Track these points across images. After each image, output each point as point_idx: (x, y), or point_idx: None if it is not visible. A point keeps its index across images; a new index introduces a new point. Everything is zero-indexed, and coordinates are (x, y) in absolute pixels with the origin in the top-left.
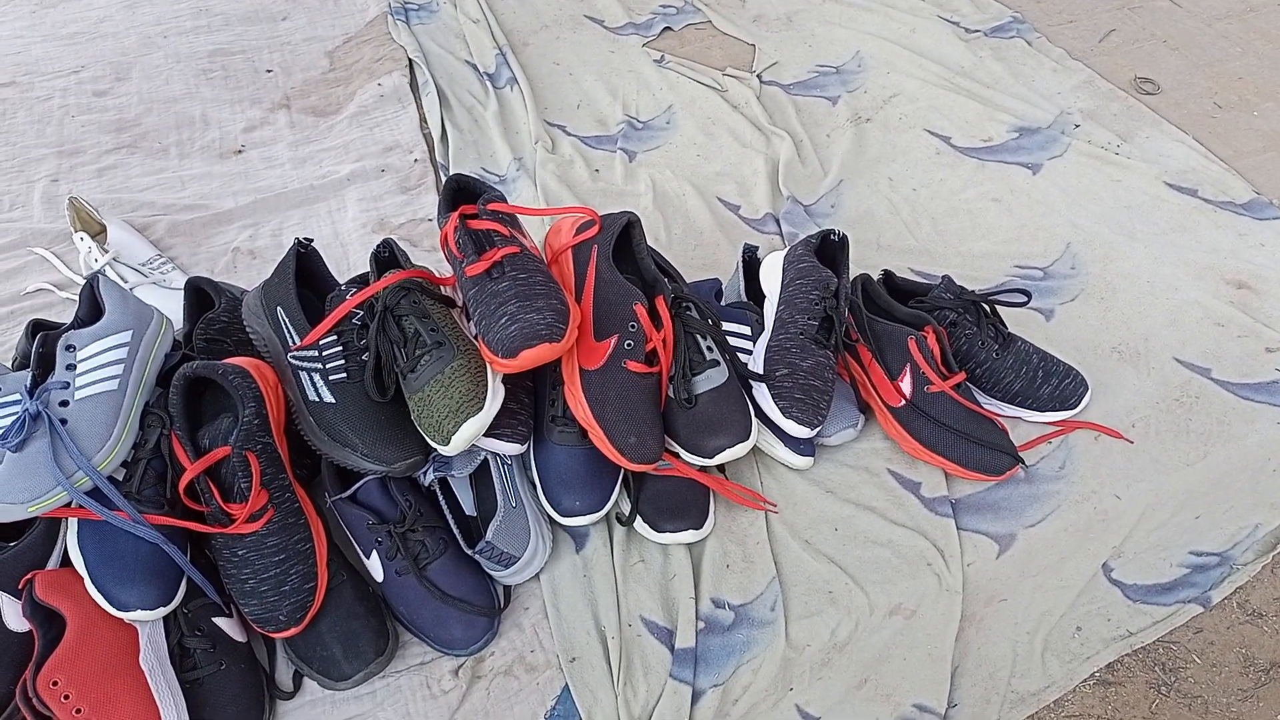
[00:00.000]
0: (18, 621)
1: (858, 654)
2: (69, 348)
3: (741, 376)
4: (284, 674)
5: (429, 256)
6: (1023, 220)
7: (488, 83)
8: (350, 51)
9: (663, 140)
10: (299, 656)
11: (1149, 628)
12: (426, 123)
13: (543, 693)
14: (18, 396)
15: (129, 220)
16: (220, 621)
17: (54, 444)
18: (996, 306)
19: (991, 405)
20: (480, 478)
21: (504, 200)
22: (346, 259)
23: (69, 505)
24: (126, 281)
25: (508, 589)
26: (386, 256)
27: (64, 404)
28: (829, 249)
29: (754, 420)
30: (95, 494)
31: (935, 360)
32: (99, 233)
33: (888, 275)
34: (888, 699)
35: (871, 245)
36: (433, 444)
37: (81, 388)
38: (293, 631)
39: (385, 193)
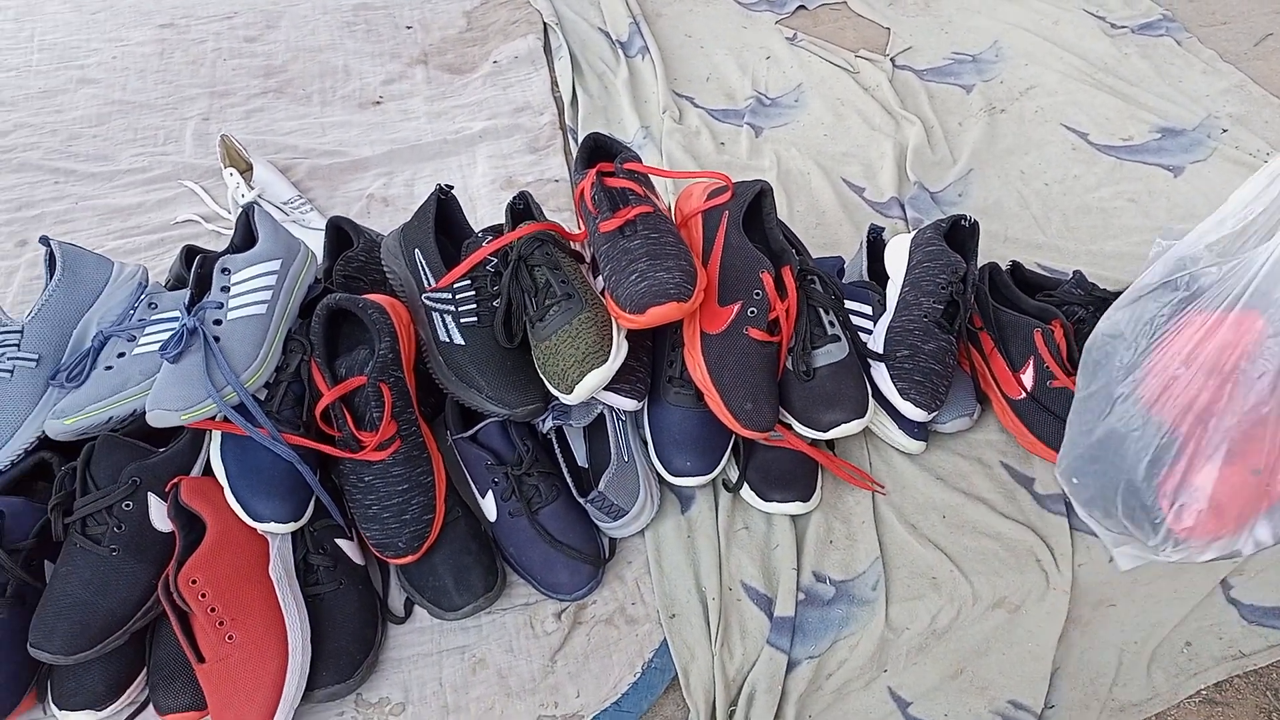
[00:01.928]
0: (162, 521)
1: (956, 643)
2: (224, 270)
3: (860, 354)
4: (396, 600)
5: (553, 216)
6: (1159, 223)
7: (619, 50)
8: (487, 13)
9: (790, 118)
10: (412, 584)
11: (1263, 650)
12: (558, 86)
13: (641, 644)
14: (176, 314)
15: (272, 161)
16: (342, 543)
17: (207, 359)
18: None
19: None
20: (594, 431)
21: (640, 161)
22: (474, 213)
23: (215, 418)
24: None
25: (613, 541)
26: (522, 208)
27: (217, 323)
28: (959, 235)
29: (870, 399)
30: (240, 410)
31: (1061, 355)
32: (246, 170)
33: (1016, 266)
34: (982, 692)
35: (998, 237)
36: (555, 392)
37: (234, 309)
38: (409, 559)
39: (514, 151)
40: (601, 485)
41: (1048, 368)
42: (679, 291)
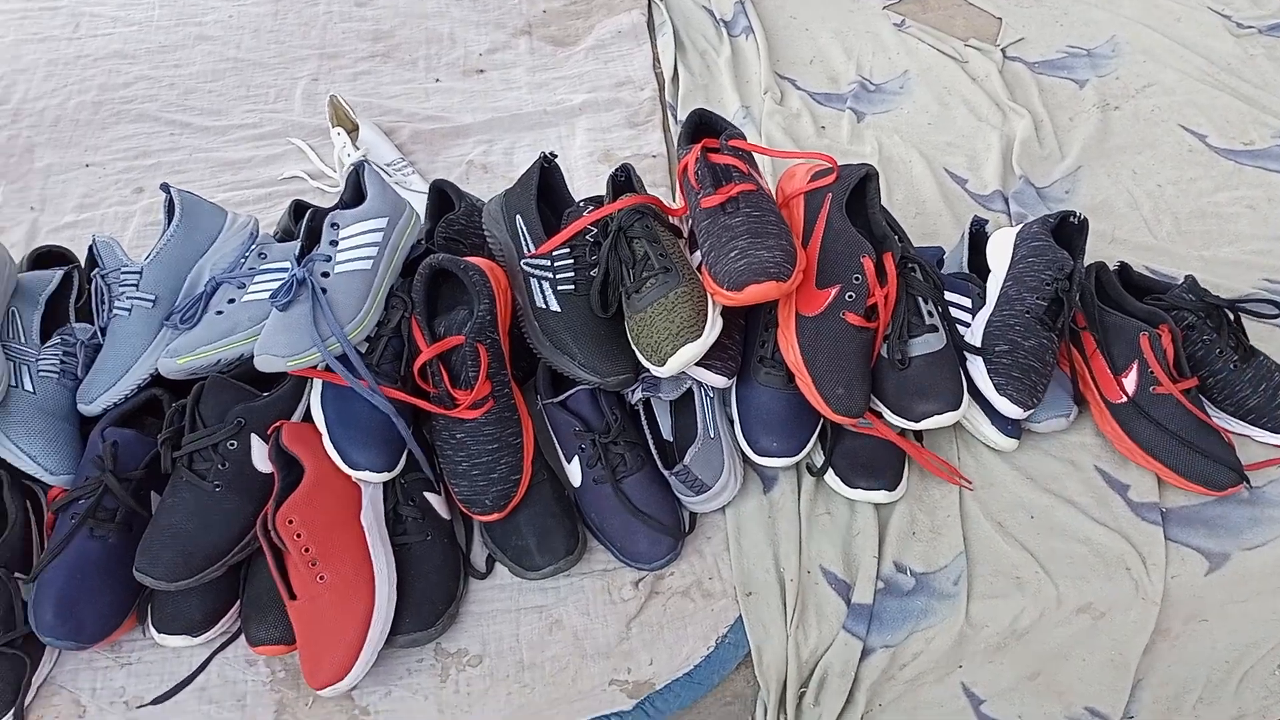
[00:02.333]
0: (263, 462)
1: (1037, 645)
2: (334, 225)
3: (957, 347)
4: (478, 556)
5: (650, 192)
6: (1279, 232)
7: (723, 29)
8: None
9: (894, 105)
10: (494, 542)
11: None
12: (659, 62)
13: (716, 619)
14: (286, 265)
15: (377, 124)
16: (430, 497)
17: (314, 309)
18: (1241, 316)
19: (1220, 419)
20: (681, 406)
21: (744, 139)
22: (571, 185)
23: (318, 367)
24: None
25: (693, 516)
26: (623, 180)
27: (325, 275)
28: (1066, 231)
29: (965, 392)
30: (343, 360)
31: (1167, 361)
32: (352, 130)
33: (1124, 268)
34: (1059, 696)
35: (1105, 237)
36: (646, 364)
37: (341, 262)
38: (495, 516)
39: (613, 125)
40: (687, 459)
41: (1152, 373)
42: (778, 270)
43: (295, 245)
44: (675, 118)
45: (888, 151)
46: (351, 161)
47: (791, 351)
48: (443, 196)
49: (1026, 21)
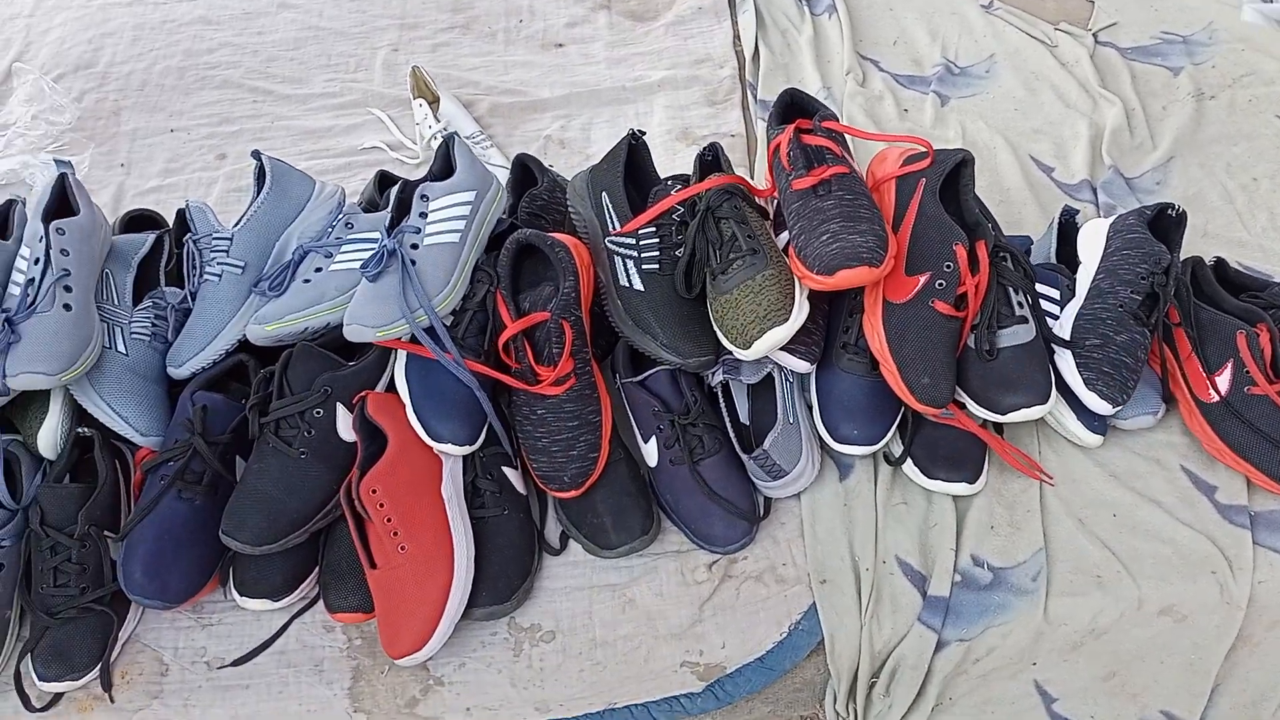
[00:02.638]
0: (347, 431)
1: (1114, 645)
2: (424, 197)
3: (1045, 339)
4: (552, 532)
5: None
6: None
7: (805, 7)
8: None
9: (980, 89)
10: (570, 519)
11: None
12: (740, 40)
13: (789, 605)
14: (373, 235)
15: (456, 95)
16: (508, 471)
17: (403, 281)
18: None
19: None
20: (759, 390)
21: (838, 120)
22: None
23: (405, 338)
24: None
25: (768, 500)
26: (710, 160)
27: (414, 247)
28: (1162, 224)
29: (1054, 385)
30: (430, 333)
31: (1264, 361)
32: (434, 102)
33: (1220, 263)
34: (1134, 698)
35: (1197, 231)
36: (730, 346)
37: (430, 235)
38: (572, 494)
39: (692, 103)
40: (766, 444)
41: (1248, 372)
42: (871, 256)
43: (382, 216)
44: (755, 97)
45: (972, 137)
46: (433, 133)
47: (877, 338)
48: (525, 171)
49: (1120, 6)
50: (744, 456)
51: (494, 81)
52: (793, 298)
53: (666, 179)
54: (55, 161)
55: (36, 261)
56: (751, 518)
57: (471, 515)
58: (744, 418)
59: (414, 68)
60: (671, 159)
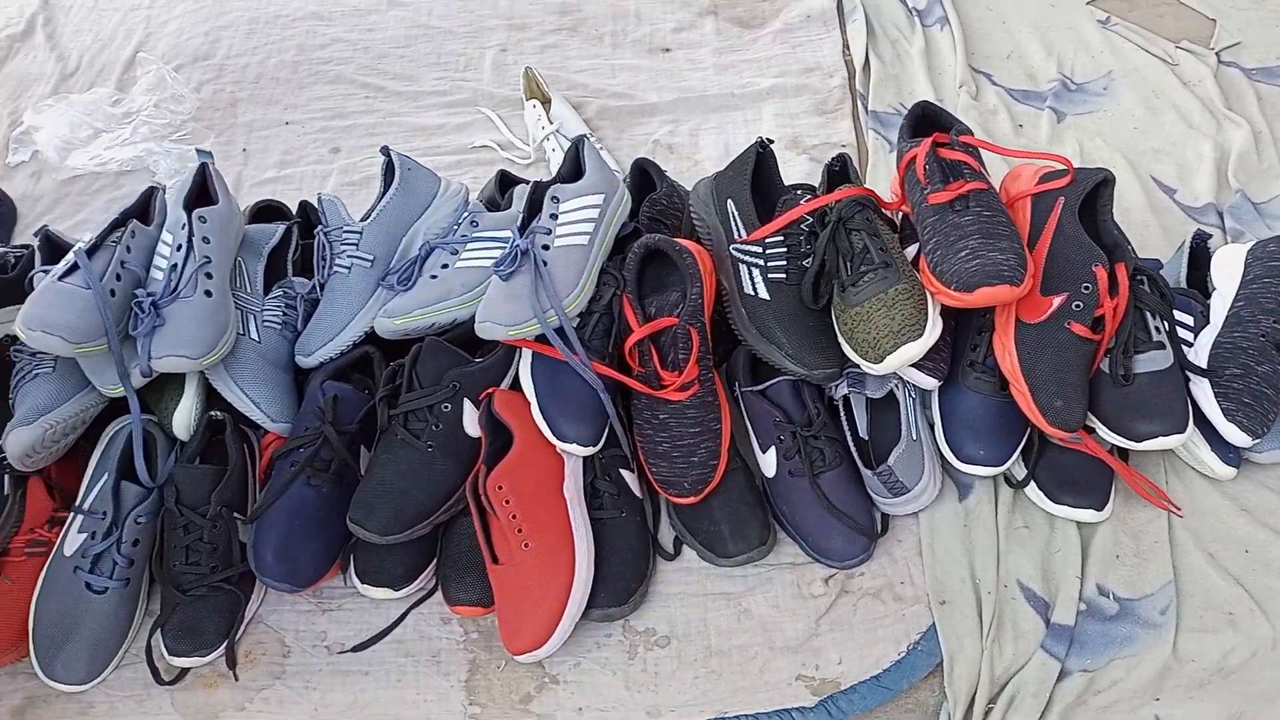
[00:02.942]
0: (473, 426)
1: (1243, 685)
2: (555, 199)
3: (1181, 366)
4: (665, 537)
5: None
6: None
7: (915, 18)
8: None
9: (1097, 106)
10: (685, 525)
11: None
12: (849, 49)
13: (908, 625)
14: (498, 234)
15: (565, 97)
16: (625, 474)
17: (535, 281)
18: None
19: None
20: (878, 404)
21: (972, 134)
22: None
23: (535, 338)
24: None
25: (885, 517)
26: (839, 170)
27: (545, 247)
28: None
29: (1190, 414)
30: (559, 333)
31: None
32: (546, 103)
33: None
34: None
35: None
36: (859, 360)
37: (560, 236)
38: (691, 500)
39: (802, 112)
40: (890, 460)
41: None
42: (1013, 274)
43: (507, 215)
44: (865, 107)
45: (1090, 155)
46: (545, 135)
47: (1008, 358)
48: (644, 175)
49: (1244, 24)
50: (865, 472)
51: (601, 84)
52: (926, 313)
53: (793, 188)
54: (196, 151)
55: (179, 248)
56: (871, 534)
57: (590, 516)
58: (863, 432)
59: (527, 69)
60: (781, 167)
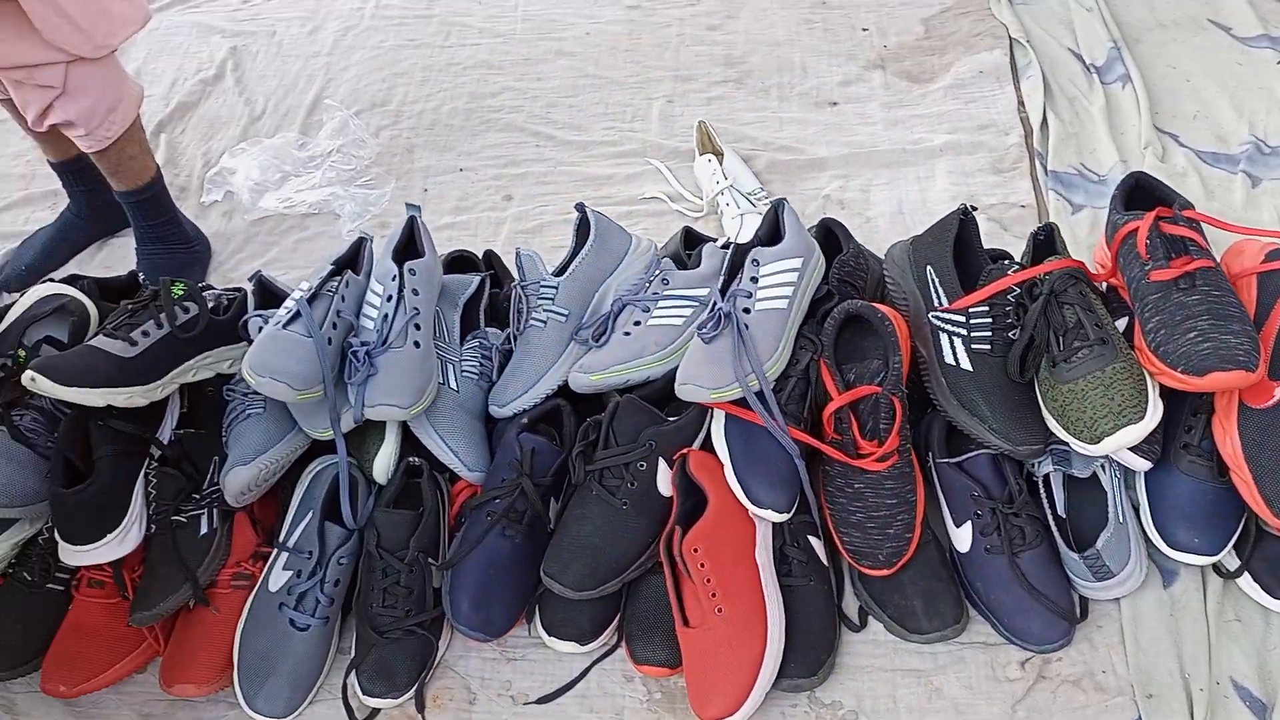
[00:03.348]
0: (666, 486)
1: None
2: (755, 261)
3: None
4: (849, 607)
5: (1017, 244)
6: None
7: (1094, 75)
8: (947, 22)
9: None
10: (873, 597)
11: None
12: (1024, 106)
13: (1111, 717)
14: (693, 292)
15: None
16: (813, 540)
17: (736, 345)
18: None
19: None
20: (1079, 482)
21: (1194, 208)
22: None
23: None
24: (739, 207)
25: (1084, 600)
26: (1044, 240)
27: (746, 311)
28: None
29: None
30: (759, 397)
31: None
32: (718, 156)
33: None
34: None
35: None
36: (1069, 439)
37: (761, 300)
38: (884, 572)
39: (977, 170)
40: (1099, 544)
41: None
42: (1247, 359)
43: (696, 274)
44: (1045, 167)
45: None
46: (719, 189)
47: (1230, 444)
48: (829, 236)
49: None
50: (1067, 553)
51: (769, 137)
52: (1146, 394)
53: (996, 255)
54: (406, 205)
55: (389, 299)
56: (1071, 617)
57: (780, 583)
58: (1061, 510)
59: (700, 123)
60: None
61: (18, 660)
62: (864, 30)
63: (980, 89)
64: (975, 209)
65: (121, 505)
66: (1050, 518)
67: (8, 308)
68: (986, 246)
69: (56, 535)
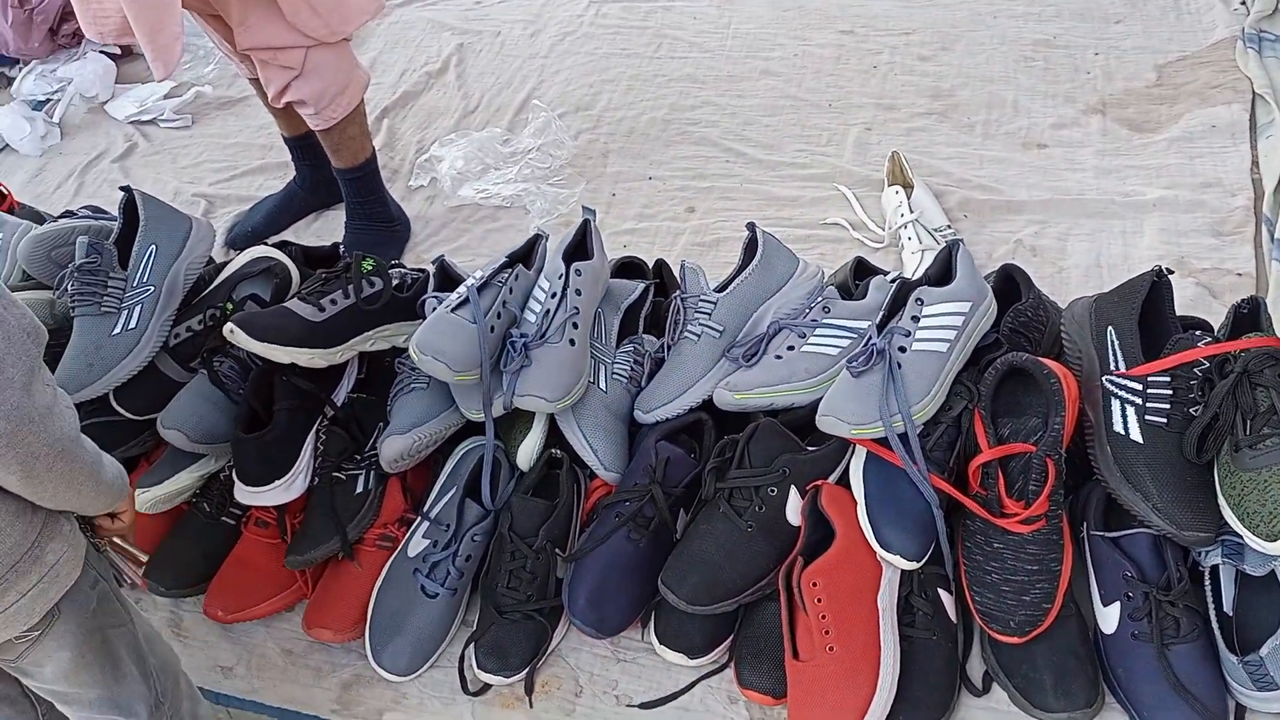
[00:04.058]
0: (795, 515)
1: None
2: (919, 300)
3: None
4: (974, 669)
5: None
6: None
7: None
8: (1184, 70)
9: None
10: (1000, 664)
11: None
12: (1258, 167)
13: None
14: (852, 324)
15: (927, 183)
16: (943, 594)
17: (886, 383)
18: None
19: None
20: (1251, 579)
21: None
22: None
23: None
24: (921, 242)
25: (1240, 708)
26: (1247, 314)
27: (902, 349)
28: None
29: None
30: (902, 439)
31: None
32: (908, 189)
33: None
34: None
35: None
36: (1243, 531)
37: (919, 340)
38: (1015, 640)
39: (1192, 230)
40: (1264, 651)
41: None
42: None
43: (859, 305)
44: (1272, 235)
45: None
46: (903, 222)
47: None
48: (1009, 282)
49: None
50: (1226, 655)
51: (967, 175)
52: None
53: (1190, 324)
54: (583, 208)
55: (554, 295)
56: None
57: (900, 632)
58: (1228, 607)
59: (894, 153)
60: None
61: (189, 581)
62: (1088, 74)
63: (1210, 144)
64: (1172, 272)
65: (291, 455)
66: (1213, 613)
67: (226, 264)
68: (1190, 314)
69: (234, 474)
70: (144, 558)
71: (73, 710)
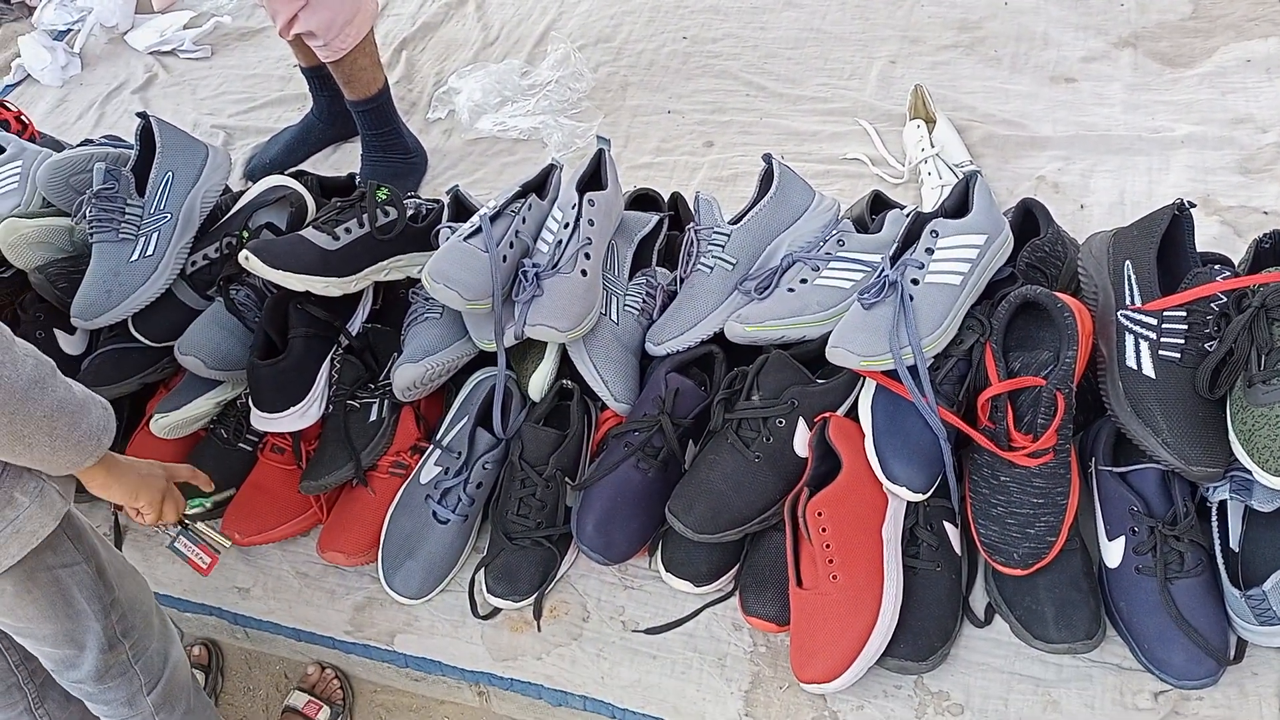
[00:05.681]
0: (802, 447)
1: None
2: (934, 233)
3: None
4: (977, 601)
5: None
6: None
7: None
8: (1221, 2)
9: None
10: (1003, 596)
11: None
12: None
13: None
14: (866, 257)
15: (950, 119)
16: (948, 526)
17: (897, 315)
18: None
19: None
20: (1258, 515)
21: None
22: None
23: (886, 371)
24: (941, 178)
25: (1241, 643)
26: (1268, 248)
27: (914, 282)
28: None
29: None
30: (911, 372)
31: None
32: (929, 123)
33: None
34: None
35: None
36: (1253, 466)
37: (932, 273)
38: (1018, 572)
39: (1220, 168)
40: (1266, 585)
41: None
42: None
43: (874, 239)
44: None
45: None
46: (923, 157)
47: None
48: (1028, 217)
49: None
50: (1231, 590)
51: (992, 109)
52: None
53: (1210, 259)
54: (597, 137)
55: (566, 226)
56: (1221, 657)
57: (905, 562)
58: (1234, 543)
59: (916, 86)
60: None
61: None
62: (1121, 4)
63: (1243, 79)
64: (1194, 205)
65: (306, 383)
66: (1219, 549)
67: (242, 193)
68: (1213, 250)
69: (250, 401)
70: (226, 545)
71: (28, 644)
